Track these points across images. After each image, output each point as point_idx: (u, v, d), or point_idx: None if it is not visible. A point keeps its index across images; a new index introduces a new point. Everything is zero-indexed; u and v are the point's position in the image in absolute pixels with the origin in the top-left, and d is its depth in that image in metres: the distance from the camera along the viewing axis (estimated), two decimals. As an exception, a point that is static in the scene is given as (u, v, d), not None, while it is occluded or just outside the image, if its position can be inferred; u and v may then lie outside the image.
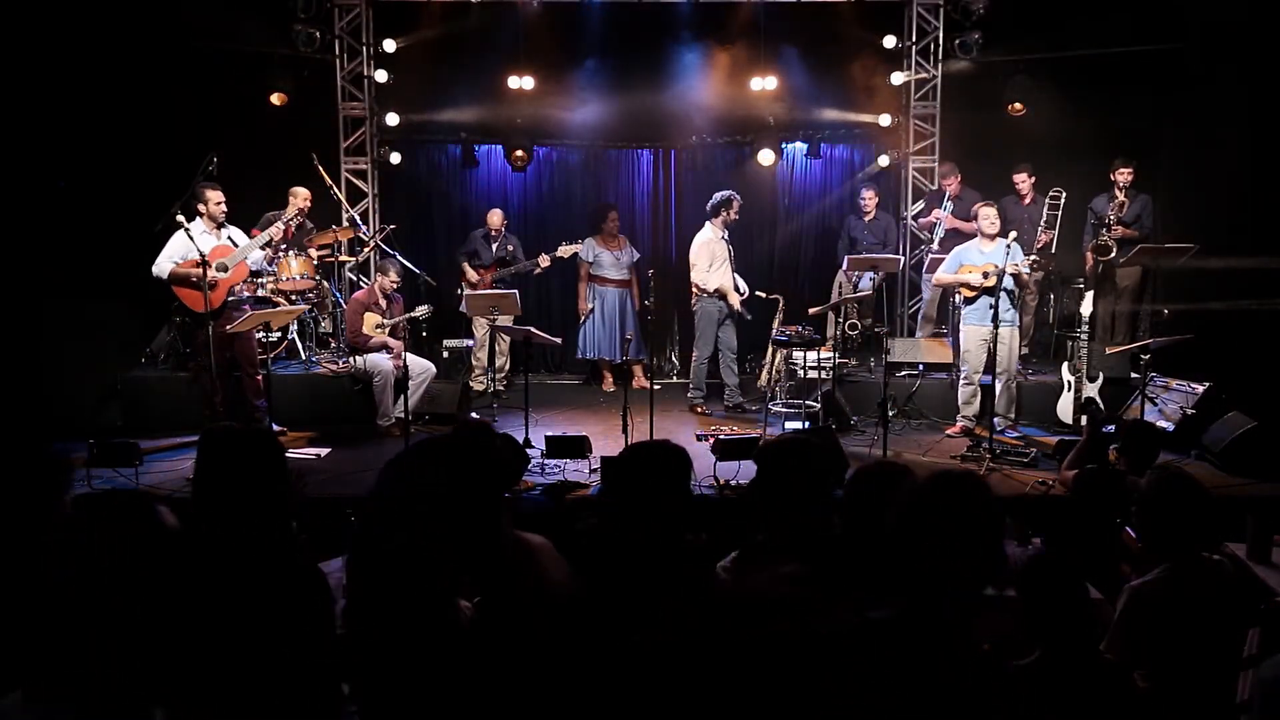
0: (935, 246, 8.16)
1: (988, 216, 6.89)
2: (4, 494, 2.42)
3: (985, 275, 6.75)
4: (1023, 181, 8.29)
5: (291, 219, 7.37)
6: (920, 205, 8.81)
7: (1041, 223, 8.13)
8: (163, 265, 6.44)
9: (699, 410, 7.72)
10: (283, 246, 7.25)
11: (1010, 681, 2.33)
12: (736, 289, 7.63)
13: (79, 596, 1.47)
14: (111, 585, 1.48)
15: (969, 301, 6.93)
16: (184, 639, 2.08)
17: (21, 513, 2.41)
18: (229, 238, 6.68)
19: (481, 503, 2.12)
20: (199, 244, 6.23)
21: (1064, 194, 8.11)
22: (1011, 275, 6.66)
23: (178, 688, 2.04)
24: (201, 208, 6.54)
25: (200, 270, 6.12)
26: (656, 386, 7.41)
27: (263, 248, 6.86)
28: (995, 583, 2.16)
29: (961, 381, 7.07)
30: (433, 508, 2.04)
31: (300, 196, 7.79)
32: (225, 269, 6.52)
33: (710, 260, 7.55)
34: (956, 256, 7.03)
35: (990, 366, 6.70)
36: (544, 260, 8.15)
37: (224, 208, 6.60)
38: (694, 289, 7.70)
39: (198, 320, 6.37)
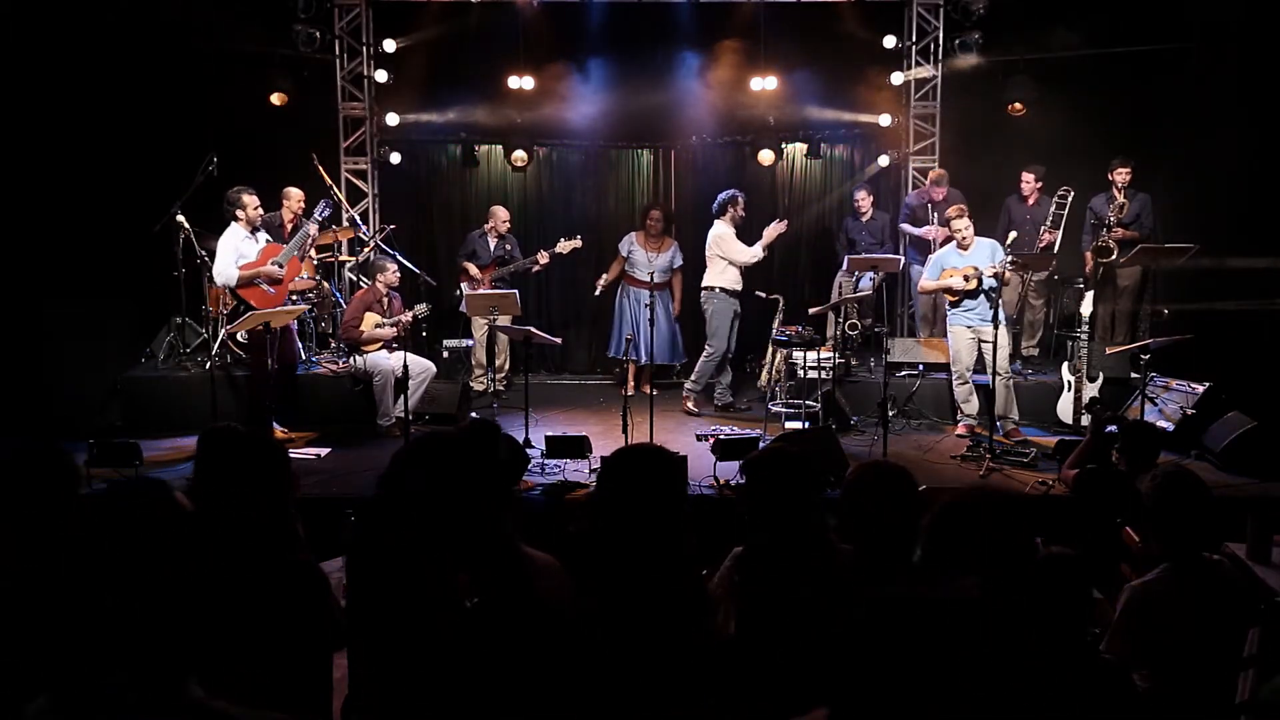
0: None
1: (959, 229, 6.86)
2: (18, 493, 2.42)
3: (966, 279, 6.78)
4: (1029, 182, 8.24)
5: (322, 213, 7.35)
6: (902, 212, 8.65)
7: (1047, 222, 8.09)
8: (230, 273, 6.65)
9: (688, 405, 7.74)
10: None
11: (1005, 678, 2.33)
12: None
13: (98, 589, 1.48)
14: (132, 570, 1.50)
15: (954, 304, 6.94)
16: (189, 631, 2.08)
17: (36, 512, 2.41)
18: (265, 240, 6.93)
19: (480, 503, 2.12)
20: (244, 247, 6.69)
21: (1071, 194, 8.06)
22: (992, 277, 6.66)
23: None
24: (240, 213, 6.74)
25: (273, 268, 6.71)
26: (654, 393, 7.40)
27: (297, 251, 7.05)
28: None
29: (956, 382, 7.07)
30: (432, 504, 2.04)
31: (294, 198, 7.79)
32: (281, 266, 6.81)
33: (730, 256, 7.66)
34: (937, 262, 7.04)
35: (986, 366, 6.69)
36: (542, 257, 8.10)
37: (261, 211, 6.89)
38: (706, 287, 7.75)
39: (237, 316, 6.63)
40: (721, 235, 7.67)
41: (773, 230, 7.61)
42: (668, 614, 2.55)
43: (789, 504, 2.76)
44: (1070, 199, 8.08)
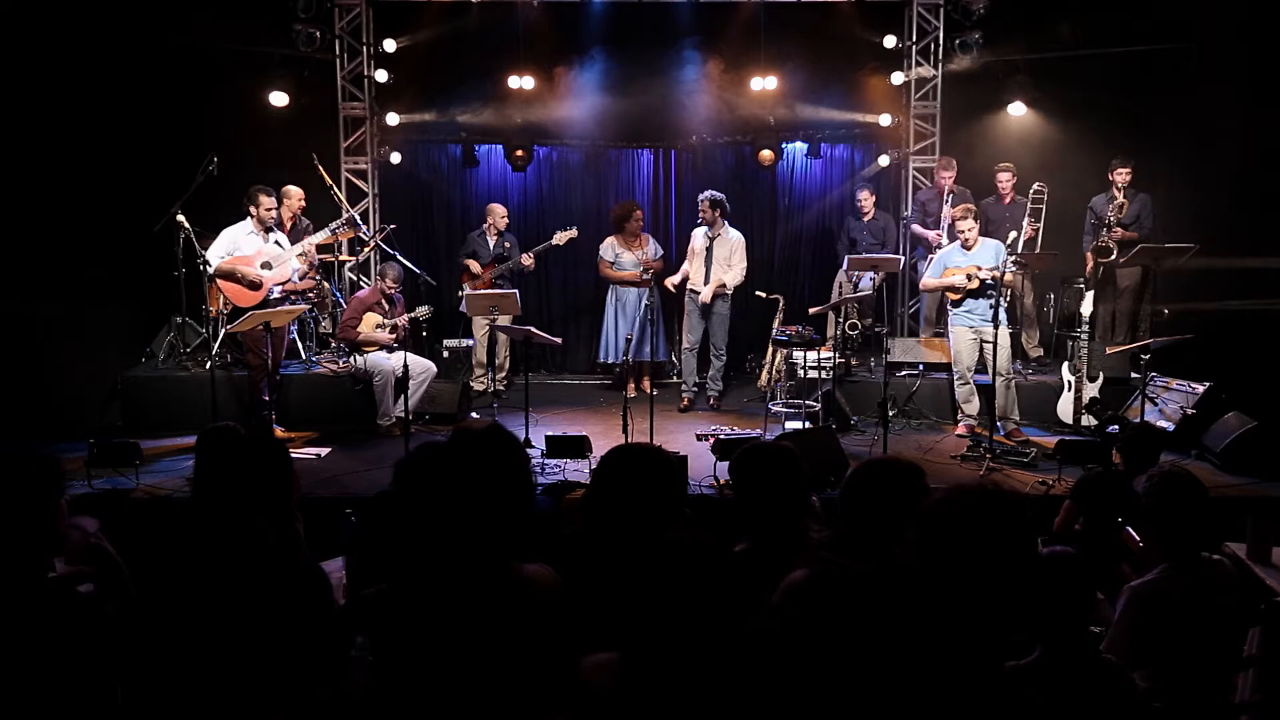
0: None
1: (963, 230, 6.87)
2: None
3: (969, 278, 6.78)
4: (1005, 182, 8.24)
5: (339, 227, 7.48)
6: (911, 210, 8.70)
7: (1025, 219, 8.08)
8: (213, 260, 6.71)
9: (684, 404, 7.86)
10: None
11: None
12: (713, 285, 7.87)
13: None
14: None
15: (956, 304, 6.95)
16: (183, 637, 2.08)
17: (21, 516, 2.39)
18: (275, 241, 6.95)
19: (486, 517, 2.10)
20: (243, 242, 6.72)
21: (1046, 189, 8.06)
22: (993, 278, 6.66)
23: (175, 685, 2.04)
24: (253, 210, 6.81)
25: (252, 270, 6.67)
26: (654, 393, 7.40)
27: (299, 256, 7.08)
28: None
29: (957, 382, 7.08)
30: (436, 507, 2.03)
31: (294, 197, 7.80)
32: (270, 267, 6.81)
33: (688, 258, 8.00)
34: (940, 261, 7.05)
35: (988, 366, 6.69)
36: (527, 259, 8.15)
37: (274, 214, 6.96)
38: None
39: (239, 315, 6.62)
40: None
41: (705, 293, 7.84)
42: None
43: (772, 501, 2.73)
44: (1046, 194, 8.06)
